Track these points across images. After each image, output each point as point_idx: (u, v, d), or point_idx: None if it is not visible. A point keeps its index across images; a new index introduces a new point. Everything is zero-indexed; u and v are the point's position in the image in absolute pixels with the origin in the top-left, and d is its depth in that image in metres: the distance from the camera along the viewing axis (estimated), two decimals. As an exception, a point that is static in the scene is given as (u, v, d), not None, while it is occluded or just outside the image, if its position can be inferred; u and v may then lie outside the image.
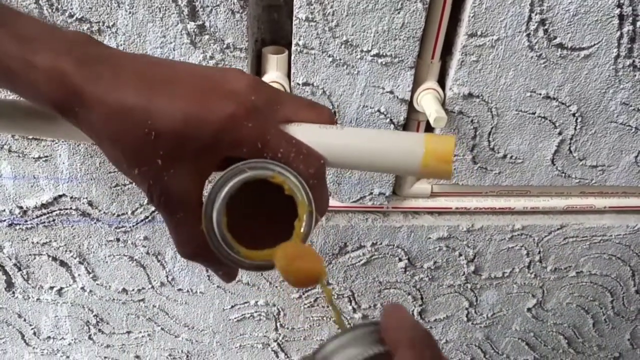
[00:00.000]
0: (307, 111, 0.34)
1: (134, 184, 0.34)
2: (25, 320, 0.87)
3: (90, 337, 0.90)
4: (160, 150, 0.30)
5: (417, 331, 0.25)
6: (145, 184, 0.31)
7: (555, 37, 0.62)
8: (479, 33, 0.61)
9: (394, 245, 0.80)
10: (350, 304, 0.88)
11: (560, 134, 0.70)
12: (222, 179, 0.31)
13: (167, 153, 0.30)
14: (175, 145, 0.30)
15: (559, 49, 0.63)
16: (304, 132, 0.33)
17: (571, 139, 0.71)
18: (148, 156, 0.30)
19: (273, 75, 0.63)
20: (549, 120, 0.68)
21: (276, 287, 0.84)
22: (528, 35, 0.61)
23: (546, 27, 0.61)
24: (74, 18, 0.57)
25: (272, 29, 0.65)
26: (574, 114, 0.68)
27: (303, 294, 0.86)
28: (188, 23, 0.58)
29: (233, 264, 0.31)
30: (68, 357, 0.93)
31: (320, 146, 0.33)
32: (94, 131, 0.30)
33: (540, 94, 0.66)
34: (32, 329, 0.88)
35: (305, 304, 0.87)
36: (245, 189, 0.31)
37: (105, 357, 0.94)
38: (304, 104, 0.35)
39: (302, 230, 0.31)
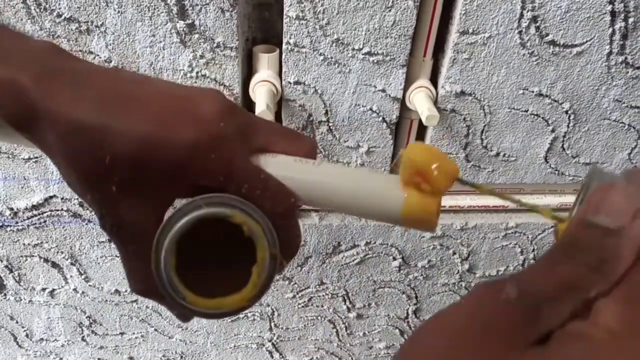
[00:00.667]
0: (286, 141, 0.31)
1: None
2: (17, 322, 0.86)
3: (83, 339, 0.90)
4: (115, 177, 0.27)
5: None
6: (98, 211, 0.29)
7: (547, 34, 0.62)
8: (470, 30, 0.60)
9: (387, 244, 0.80)
10: (345, 303, 0.87)
11: (553, 131, 0.70)
12: (176, 214, 0.28)
13: (122, 180, 0.27)
14: (131, 172, 0.27)
15: (551, 46, 0.63)
16: (277, 166, 0.30)
17: (564, 136, 0.70)
18: (102, 182, 0.27)
19: (264, 74, 0.62)
20: (542, 118, 0.68)
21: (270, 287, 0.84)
22: (520, 32, 0.61)
23: (538, 24, 0.61)
24: (62, 17, 0.57)
25: (263, 27, 0.65)
26: (566, 112, 0.68)
27: (297, 293, 0.85)
28: (177, 22, 0.58)
29: (181, 309, 0.28)
30: (61, 359, 0.93)
31: (292, 182, 0.30)
32: (49, 150, 0.28)
33: (532, 92, 0.66)
34: (24, 331, 0.88)
35: (299, 304, 0.87)
36: (203, 225, 0.28)
37: (98, 359, 0.93)
38: (284, 133, 0.32)
39: (259, 276, 0.28)
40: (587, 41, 0.63)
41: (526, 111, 0.67)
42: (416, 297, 0.88)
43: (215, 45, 0.59)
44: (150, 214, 0.29)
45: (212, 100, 0.29)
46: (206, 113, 0.28)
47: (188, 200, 0.28)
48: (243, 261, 0.28)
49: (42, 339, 0.89)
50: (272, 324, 0.90)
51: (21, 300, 0.83)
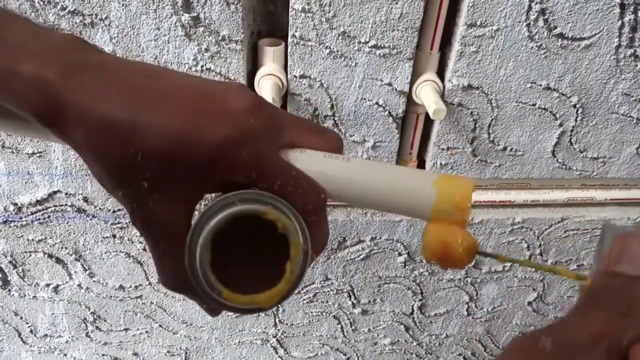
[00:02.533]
0: (314, 137, 0.31)
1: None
2: (21, 318, 0.86)
3: (87, 335, 0.89)
4: (146, 172, 0.27)
5: None
6: (129, 206, 0.29)
7: (555, 27, 0.61)
8: (478, 23, 0.60)
9: (393, 239, 0.79)
10: (350, 299, 0.87)
11: (560, 125, 0.69)
12: (209, 211, 0.28)
13: (153, 175, 0.27)
14: (162, 167, 0.27)
15: (560, 39, 0.62)
16: (307, 161, 0.30)
17: (572, 130, 0.70)
18: (133, 177, 0.27)
19: (269, 67, 0.62)
20: (550, 112, 0.68)
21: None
22: (528, 25, 0.60)
23: (546, 16, 0.60)
24: (66, 11, 0.56)
25: (268, 20, 0.64)
26: (574, 105, 0.67)
27: (302, 289, 0.85)
28: (182, 15, 0.57)
29: (215, 304, 0.28)
30: (65, 355, 0.93)
31: (323, 178, 0.30)
32: (77, 145, 0.27)
33: (540, 85, 0.65)
34: (28, 327, 0.87)
35: (304, 300, 0.87)
36: (237, 222, 0.28)
37: (103, 355, 0.93)
38: (311, 128, 0.32)
39: (292, 273, 0.28)
40: (595, 34, 0.62)
41: (534, 105, 0.67)
42: (421, 293, 0.87)
43: (220, 38, 0.59)
44: (182, 209, 0.29)
45: (239, 95, 0.29)
46: (235, 108, 0.28)
47: (220, 196, 0.28)
48: (275, 257, 0.28)
49: (46, 335, 0.89)
50: (277, 320, 0.90)
51: (25, 296, 0.83)
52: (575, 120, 0.69)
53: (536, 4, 0.59)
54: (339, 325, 0.92)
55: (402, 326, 0.93)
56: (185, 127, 0.27)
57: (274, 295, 0.28)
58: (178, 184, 0.28)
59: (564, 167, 0.73)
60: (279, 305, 0.86)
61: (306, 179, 0.29)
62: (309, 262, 0.29)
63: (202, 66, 0.61)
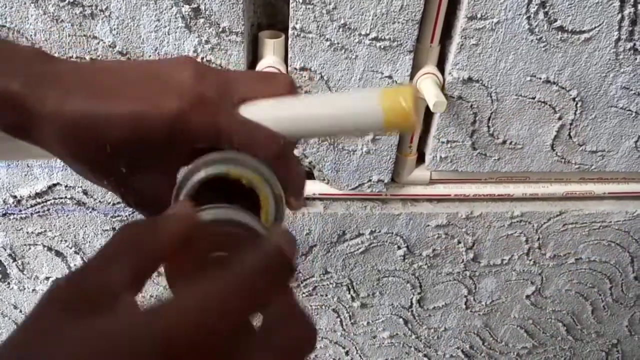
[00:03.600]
0: (262, 85, 0.32)
1: None
2: (21, 311, 0.86)
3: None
4: (120, 159, 0.29)
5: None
6: (117, 192, 0.31)
7: (555, 20, 0.61)
8: (478, 16, 0.60)
9: (392, 233, 0.79)
10: (349, 293, 0.87)
11: (560, 119, 0.69)
12: (181, 182, 0.30)
13: (127, 161, 0.29)
14: (132, 151, 0.29)
15: (560, 32, 0.62)
16: (259, 112, 0.31)
17: (571, 124, 0.70)
18: (111, 167, 0.29)
19: (270, 60, 0.62)
20: (549, 105, 0.68)
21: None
22: (528, 18, 0.60)
23: (546, 9, 0.60)
24: (66, 2, 0.56)
25: (269, 12, 0.64)
26: (574, 99, 0.68)
27: (301, 282, 0.85)
28: (182, 6, 0.57)
29: None
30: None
31: (278, 123, 0.31)
32: (53, 150, 0.29)
33: (540, 78, 0.65)
34: (28, 320, 0.87)
35: (303, 293, 0.87)
36: (209, 185, 0.29)
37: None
38: (260, 78, 0.33)
39: (267, 220, 0.30)
40: (595, 27, 0.62)
41: (533, 98, 0.67)
42: (420, 287, 0.88)
43: (220, 30, 0.59)
44: (163, 181, 0.31)
45: (185, 68, 0.30)
46: (182, 80, 0.30)
47: (186, 168, 0.30)
48: (256, 211, 0.30)
49: (45, 328, 0.89)
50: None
51: (24, 289, 0.83)
52: (575, 114, 0.69)
53: (536, -4, 0.59)
54: (338, 319, 0.92)
55: (401, 319, 0.93)
56: (139, 110, 0.28)
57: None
58: (151, 162, 0.30)
59: (563, 160, 0.74)
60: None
61: (261, 129, 0.30)
62: (283, 206, 0.30)
63: (202, 58, 0.61)
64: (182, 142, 0.29)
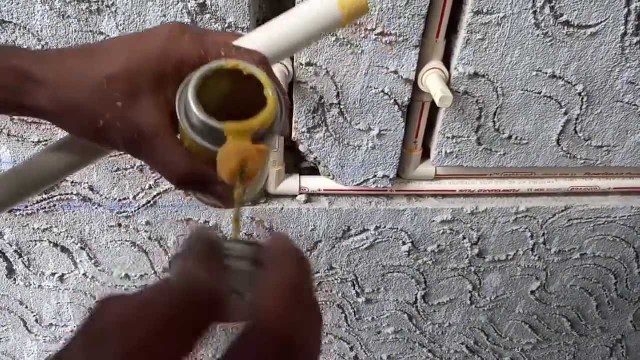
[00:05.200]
0: (234, 38, 0.35)
1: (117, 153, 0.37)
2: (27, 307, 0.86)
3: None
4: (116, 93, 0.31)
5: (294, 257, 0.23)
6: (115, 132, 0.32)
7: (561, 15, 0.61)
8: (485, 10, 0.60)
9: (397, 228, 0.79)
10: (354, 288, 0.87)
11: (566, 114, 0.69)
12: (184, 82, 0.31)
13: (123, 92, 0.31)
14: (127, 82, 0.31)
15: (566, 27, 0.62)
16: (239, 41, 0.35)
17: (577, 119, 0.70)
18: (107, 101, 0.31)
19: (276, 55, 0.62)
20: (555, 100, 0.68)
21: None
22: (534, 12, 0.60)
23: (553, 4, 0.60)
24: (73, -3, 0.56)
25: (274, 7, 0.64)
26: (580, 94, 0.68)
27: (306, 278, 0.85)
28: (189, 2, 0.57)
29: (218, 139, 0.30)
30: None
31: (255, 44, 0.35)
32: (52, 102, 0.31)
33: (546, 73, 0.65)
34: (34, 316, 0.88)
35: (308, 289, 0.87)
36: (210, 84, 0.31)
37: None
38: (232, 34, 0.36)
39: (272, 95, 0.31)
40: (601, 22, 0.62)
41: (539, 93, 0.67)
42: (425, 282, 0.88)
43: (226, 25, 0.59)
44: (159, 111, 0.32)
45: (168, 25, 0.34)
46: (168, 24, 0.34)
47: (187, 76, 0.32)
48: (253, 105, 0.31)
49: (51, 324, 0.89)
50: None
51: (31, 285, 0.83)
52: (581, 109, 0.69)
53: (543, -9, 0.59)
54: (343, 314, 0.92)
55: (406, 315, 0.93)
56: (133, 45, 0.32)
57: (268, 114, 0.31)
58: (146, 92, 0.32)
59: (568, 155, 0.74)
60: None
61: (243, 47, 0.34)
62: (279, 91, 0.32)
63: (208, 54, 0.61)
64: (173, 67, 0.32)
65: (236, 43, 0.35)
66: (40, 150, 0.38)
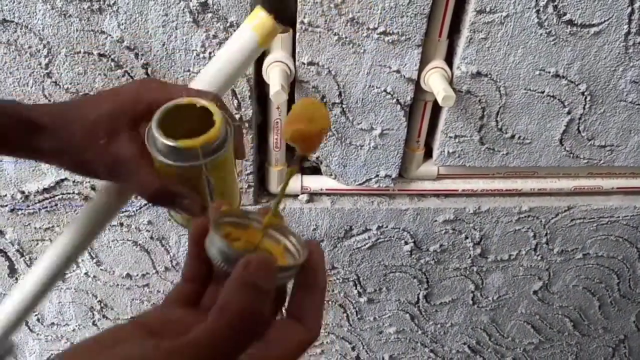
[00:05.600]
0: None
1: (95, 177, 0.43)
2: (28, 306, 0.86)
3: (94, 323, 0.90)
4: (100, 132, 0.39)
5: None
6: (98, 164, 0.40)
7: (565, 14, 0.61)
8: (487, 9, 0.59)
9: (399, 228, 0.79)
10: (356, 288, 0.87)
11: (569, 113, 0.69)
12: (152, 121, 0.38)
13: (106, 131, 0.39)
14: (109, 123, 0.39)
15: (569, 26, 0.62)
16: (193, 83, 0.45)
17: (580, 118, 0.70)
18: (93, 139, 0.39)
19: (277, 54, 0.62)
20: (558, 99, 0.67)
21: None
22: (537, 11, 0.60)
23: (556, 3, 0.60)
24: (74, -4, 0.56)
25: (275, 6, 0.64)
26: (583, 93, 0.67)
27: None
28: (190, 1, 0.57)
29: (178, 156, 0.37)
30: (72, 343, 0.93)
31: (203, 84, 0.44)
32: (52, 142, 0.39)
33: (549, 72, 0.65)
34: (35, 315, 0.88)
35: (310, 288, 0.87)
36: (170, 117, 0.39)
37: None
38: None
39: (218, 118, 0.38)
40: (605, 21, 0.62)
41: (542, 92, 0.66)
42: (427, 282, 0.88)
43: (228, 24, 0.59)
44: (134, 144, 0.40)
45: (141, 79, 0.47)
46: (142, 79, 0.47)
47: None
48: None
49: (53, 323, 0.89)
50: (283, 308, 0.90)
51: (32, 284, 0.83)
52: (584, 108, 0.69)
53: (546, -10, 0.59)
54: (345, 314, 0.92)
55: (408, 315, 0.93)
56: (114, 97, 0.41)
57: (214, 132, 0.38)
58: (123, 129, 0.40)
59: (571, 155, 0.73)
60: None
61: (199, 90, 0.42)
62: (231, 127, 0.39)
63: (210, 53, 0.60)
64: (144, 107, 0.40)
65: (191, 85, 0.44)
66: (93, 201, 0.46)
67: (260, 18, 0.44)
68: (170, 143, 0.37)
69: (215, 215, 0.30)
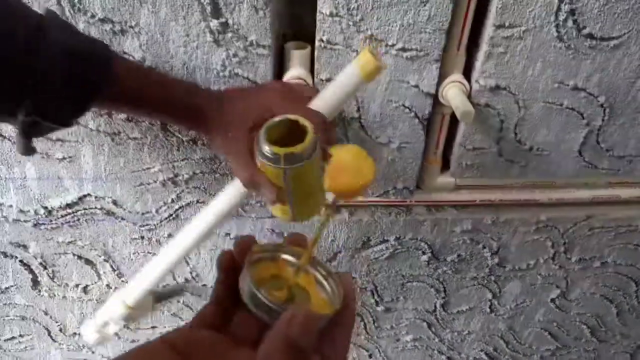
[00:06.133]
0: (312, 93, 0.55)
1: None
2: (51, 317, 0.88)
3: (115, 333, 0.91)
4: (238, 129, 0.52)
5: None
6: (229, 146, 0.53)
7: (584, 27, 0.60)
8: (506, 24, 0.59)
9: (417, 238, 0.79)
10: (373, 297, 0.88)
11: (587, 125, 0.69)
12: (263, 126, 0.47)
13: (242, 129, 0.52)
14: (246, 123, 0.52)
15: (588, 39, 0.61)
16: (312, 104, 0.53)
17: (599, 129, 0.69)
18: (236, 129, 0.52)
19: (296, 71, 0.62)
20: (577, 112, 0.67)
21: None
22: (557, 25, 0.60)
23: (575, 17, 0.60)
24: (96, 18, 0.57)
25: (294, 23, 0.64)
26: (602, 105, 0.67)
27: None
28: (211, 21, 0.57)
29: (276, 160, 0.45)
30: (94, 352, 0.94)
31: (318, 107, 0.52)
32: (209, 122, 0.54)
33: (568, 85, 0.65)
34: (58, 325, 0.89)
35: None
36: (278, 129, 0.46)
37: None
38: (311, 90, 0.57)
39: (309, 138, 0.45)
40: (624, 34, 0.61)
41: (561, 105, 0.66)
42: (445, 291, 0.88)
43: (248, 43, 0.59)
44: (249, 141, 0.51)
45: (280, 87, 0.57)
46: (280, 87, 0.57)
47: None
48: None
49: (74, 333, 0.91)
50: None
51: (55, 296, 0.84)
52: (602, 120, 0.69)
53: (565, 4, 0.58)
54: (362, 322, 0.92)
55: (425, 323, 0.93)
56: (257, 105, 0.54)
57: (303, 145, 0.44)
58: (251, 130, 0.51)
59: (590, 166, 0.73)
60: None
61: (311, 109, 0.52)
62: (318, 145, 0.46)
63: (230, 71, 0.61)
64: (270, 116, 0.48)
65: (310, 105, 0.53)
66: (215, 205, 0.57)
67: (365, 58, 0.49)
68: (264, 145, 0.45)
69: (249, 256, 0.31)
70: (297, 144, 0.45)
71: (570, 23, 0.60)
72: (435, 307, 0.90)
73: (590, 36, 0.61)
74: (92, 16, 0.57)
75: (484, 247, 0.81)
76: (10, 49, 0.43)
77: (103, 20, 0.57)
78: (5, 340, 0.91)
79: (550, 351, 1.02)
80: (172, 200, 0.72)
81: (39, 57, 0.44)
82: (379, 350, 0.98)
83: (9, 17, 0.44)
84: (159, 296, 0.69)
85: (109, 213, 0.73)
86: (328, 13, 0.58)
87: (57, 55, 0.45)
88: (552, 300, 0.92)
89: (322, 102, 0.53)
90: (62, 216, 0.73)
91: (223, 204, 0.57)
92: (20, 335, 0.90)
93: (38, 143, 0.66)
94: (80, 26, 0.57)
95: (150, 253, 0.78)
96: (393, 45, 0.60)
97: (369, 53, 0.49)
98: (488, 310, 0.92)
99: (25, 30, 0.44)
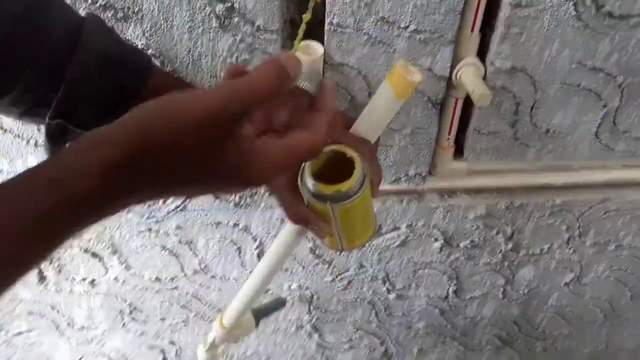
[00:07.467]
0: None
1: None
2: (58, 311, 0.87)
3: (124, 326, 0.90)
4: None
5: None
6: (277, 187, 0.50)
7: (603, 5, 0.58)
8: (523, 3, 0.57)
9: (429, 225, 0.78)
10: (385, 285, 0.87)
11: (605, 106, 0.67)
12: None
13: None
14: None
15: (607, 18, 0.59)
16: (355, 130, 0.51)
17: (616, 110, 0.68)
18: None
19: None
20: (594, 93, 0.65)
21: (309, 270, 0.83)
22: (575, 3, 0.58)
23: (594, -6, 0.57)
24: (98, 4, 0.55)
25: (302, 7, 0.62)
26: (619, 85, 0.65)
27: (337, 277, 0.84)
28: (216, 5, 0.55)
29: (321, 198, 0.45)
30: (102, 345, 0.94)
31: (362, 133, 0.50)
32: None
33: (586, 66, 0.63)
34: (65, 319, 0.88)
35: (338, 287, 0.86)
36: (324, 172, 0.45)
37: (139, 344, 0.94)
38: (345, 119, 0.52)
39: (356, 174, 0.44)
40: (645, 10, 0.59)
41: (578, 86, 0.64)
42: (457, 277, 0.87)
43: (255, 28, 0.57)
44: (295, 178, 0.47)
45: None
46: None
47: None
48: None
49: (83, 327, 0.90)
50: (311, 307, 0.90)
51: (61, 290, 0.83)
52: (620, 101, 0.67)
53: (585, -19, 0.56)
54: (373, 310, 0.91)
55: (437, 310, 0.92)
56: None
57: (350, 182, 0.44)
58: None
59: (606, 148, 0.71)
60: (313, 294, 0.85)
61: (359, 137, 0.49)
62: (366, 177, 0.45)
63: (236, 57, 0.59)
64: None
65: (352, 130, 0.50)
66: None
67: (395, 76, 0.46)
68: (309, 184, 0.45)
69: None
70: (343, 174, 0.43)
71: (589, 1, 0.58)
72: (448, 293, 0.89)
73: (609, 14, 0.59)
74: (94, 2, 0.55)
75: (497, 233, 0.80)
76: (42, 48, 0.42)
77: (105, 7, 0.55)
78: (13, 336, 0.90)
79: (563, 335, 1.01)
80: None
81: (72, 60, 0.43)
82: (390, 337, 0.97)
83: (45, 17, 0.42)
84: (258, 312, 0.70)
85: (115, 206, 0.71)
86: (338, -5, 0.56)
87: (92, 61, 0.44)
88: (566, 284, 0.90)
89: (362, 127, 0.50)
90: (67, 210, 0.72)
91: (279, 247, 0.56)
92: (28, 330, 0.90)
93: (40, 135, 0.65)
94: (82, 13, 0.55)
95: (158, 245, 0.77)
96: (406, 27, 0.58)
97: (399, 70, 0.46)
98: (501, 296, 0.91)
99: (62, 31, 0.43)
